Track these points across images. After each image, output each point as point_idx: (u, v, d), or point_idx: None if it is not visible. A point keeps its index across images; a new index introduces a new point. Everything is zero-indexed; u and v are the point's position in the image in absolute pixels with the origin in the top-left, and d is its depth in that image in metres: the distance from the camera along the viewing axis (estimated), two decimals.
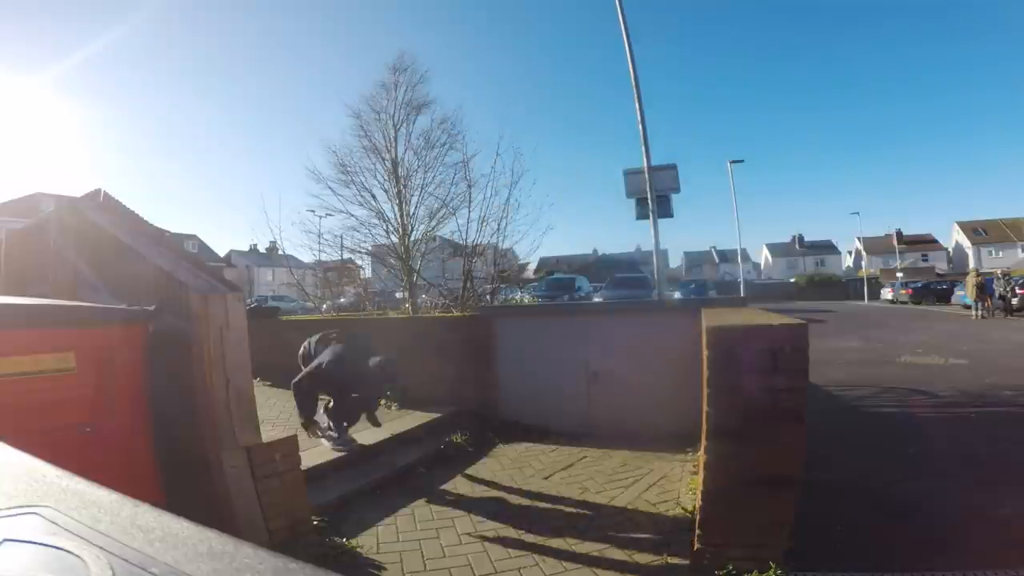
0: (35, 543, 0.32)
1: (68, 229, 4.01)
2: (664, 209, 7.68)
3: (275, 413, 5.59)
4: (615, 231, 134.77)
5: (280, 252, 10.24)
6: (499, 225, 9.04)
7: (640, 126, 7.66)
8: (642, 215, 7.77)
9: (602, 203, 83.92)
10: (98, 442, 2.56)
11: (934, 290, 29.50)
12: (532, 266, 14.88)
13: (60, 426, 2.40)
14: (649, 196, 7.49)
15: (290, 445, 3.30)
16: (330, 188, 10.02)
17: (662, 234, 7.56)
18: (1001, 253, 48.95)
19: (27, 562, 0.31)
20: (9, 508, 0.36)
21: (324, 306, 10.61)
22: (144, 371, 2.86)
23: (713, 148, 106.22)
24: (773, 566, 2.52)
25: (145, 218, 3.89)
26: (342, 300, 11.50)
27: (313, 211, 10.24)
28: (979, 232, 52.37)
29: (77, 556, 0.30)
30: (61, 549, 0.31)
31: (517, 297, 13.19)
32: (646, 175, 7.56)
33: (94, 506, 0.36)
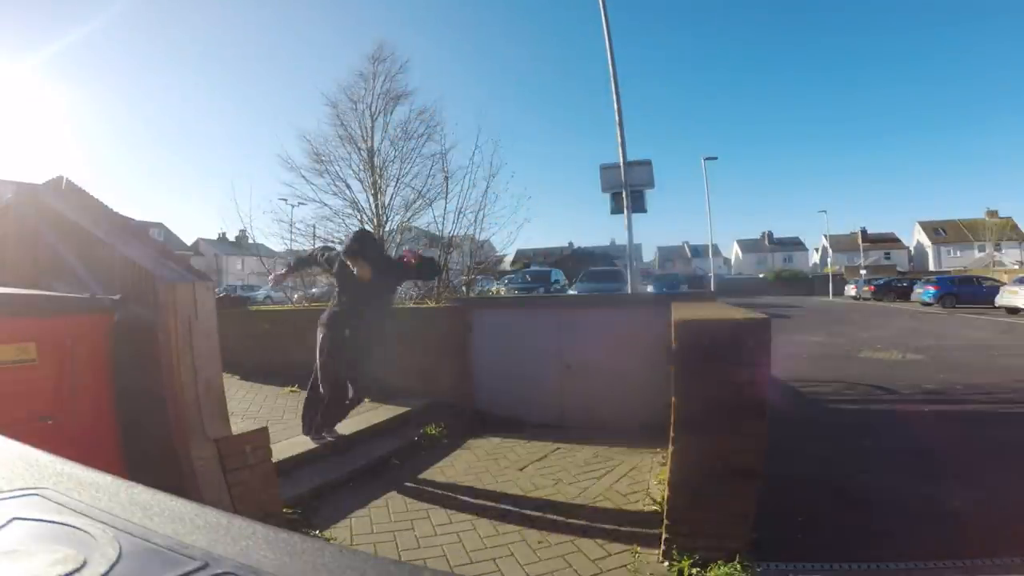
0: (42, 520, 0.34)
1: (29, 217, 3.87)
2: (638, 204, 7.82)
3: (245, 405, 5.52)
4: (591, 224, 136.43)
5: (250, 241, 10.04)
6: (476, 217, 9.05)
7: (618, 128, 7.77)
8: (617, 210, 7.89)
9: (578, 197, 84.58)
10: (61, 434, 2.50)
11: (895, 288, 30.65)
12: (509, 258, 14.91)
13: (22, 418, 2.33)
14: (624, 192, 7.60)
15: (261, 437, 3.26)
16: (303, 177, 9.88)
17: (636, 228, 7.70)
18: (959, 253, 51.03)
19: (38, 537, 0.33)
20: (11, 491, 0.38)
21: (296, 296, 10.47)
22: (109, 361, 2.79)
23: (687, 144, 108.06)
24: (738, 556, 2.61)
25: (109, 205, 3.77)
26: (314, 290, 11.35)
27: (285, 200, 10.09)
28: (939, 232, 54.50)
29: (85, 531, 0.32)
30: (68, 525, 0.33)
31: (493, 289, 13.22)
32: (622, 170, 7.67)
33: (91, 487, 0.38)
